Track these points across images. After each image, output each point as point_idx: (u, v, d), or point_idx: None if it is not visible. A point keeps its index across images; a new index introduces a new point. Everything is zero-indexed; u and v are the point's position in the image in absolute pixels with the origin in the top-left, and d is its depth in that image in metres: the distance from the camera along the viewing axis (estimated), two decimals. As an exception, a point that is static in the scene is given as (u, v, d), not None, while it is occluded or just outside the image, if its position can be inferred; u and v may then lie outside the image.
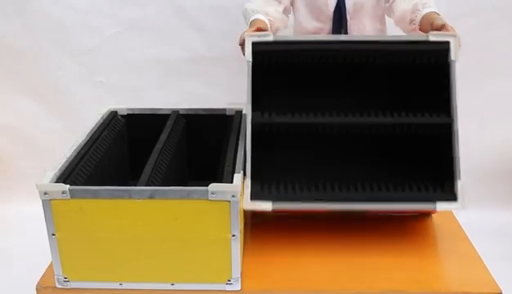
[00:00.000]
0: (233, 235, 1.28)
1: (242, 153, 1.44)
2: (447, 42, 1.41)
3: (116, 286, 1.35)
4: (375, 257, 1.42)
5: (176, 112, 1.73)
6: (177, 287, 1.34)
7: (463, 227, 1.60)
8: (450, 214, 1.62)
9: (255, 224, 1.58)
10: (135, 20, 2.55)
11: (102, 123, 1.65)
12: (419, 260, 1.42)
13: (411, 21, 1.71)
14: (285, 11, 1.92)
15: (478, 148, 2.87)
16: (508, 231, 2.68)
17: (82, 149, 1.48)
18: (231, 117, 1.69)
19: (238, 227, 1.28)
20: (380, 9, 1.92)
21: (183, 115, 1.74)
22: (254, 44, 1.43)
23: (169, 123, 1.65)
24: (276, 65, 1.45)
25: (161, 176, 1.42)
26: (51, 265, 1.41)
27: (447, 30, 1.48)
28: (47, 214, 1.29)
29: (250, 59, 1.43)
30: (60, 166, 1.36)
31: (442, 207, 1.32)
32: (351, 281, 1.34)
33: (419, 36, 1.51)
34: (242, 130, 1.56)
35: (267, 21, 1.76)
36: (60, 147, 2.70)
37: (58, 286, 1.35)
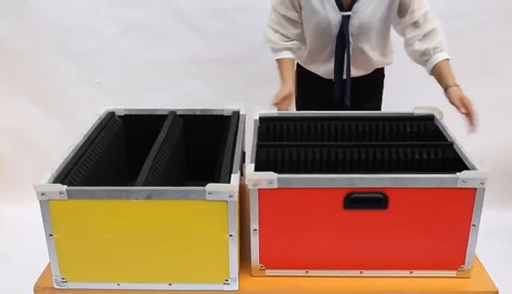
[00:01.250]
0: (230, 235, 1.28)
1: (240, 153, 1.44)
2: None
3: (114, 286, 1.34)
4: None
5: (173, 112, 1.72)
6: (174, 287, 1.34)
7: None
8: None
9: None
10: (133, 22, 2.55)
11: (100, 124, 1.64)
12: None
13: (422, 60, 1.89)
14: (302, 33, 1.96)
15: (477, 148, 2.86)
16: (506, 231, 2.69)
17: (79, 149, 1.48)
18: (228, 117, 1.68)
19: (235, 227, 1.27)
20: (386, 33, 1.97)
21: (181, 116, 1.73)
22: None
23: (167, 124, 1.64)
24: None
25: (158, 177, 1.41)
26: (49, 266, 1.39)
27: (465, 106, 1.68)
28: (44, 215, 1.29)
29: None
30: (57, 167, 1.36)
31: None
32: (350, 280, 1.33)
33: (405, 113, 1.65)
34: (239, 130, 1.56)
35: (292, 56, 1.94)
36: (58, 148, 2.68)
37: (56, 286, 1.34)
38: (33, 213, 2.59)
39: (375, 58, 1.99)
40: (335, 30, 1.85)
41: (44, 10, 2.53)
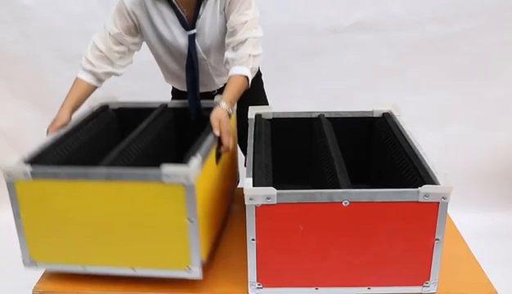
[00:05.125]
0: (189, 220, 1.25)
1: (210, 139, 1.44)
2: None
3: (80, 269, 1.35)
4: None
5: (164, 105, 1.75)
6: (138, 272, 1.33)
7: (458, 229, 1.62)
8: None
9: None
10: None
11: (90, 116, 1.67)
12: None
13: (226, 69, 1.74)
14: (130, 52, 1.87)
15: (474, 150, 2.89)
16: (504, 233, 2.70)
17: (61, 137, 1.50)
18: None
19: (195, 212, 1.25)
20: None
21: (172, 109, 1.76)
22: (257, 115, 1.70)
23: (154, 113, 1.67)
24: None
25: (128, 162, 1.41)
26: (48, 270, 1.42)
27: (218, 129, 1.50)
28: (11, 195, 1.31)
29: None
30: (30, 151, 1.39)
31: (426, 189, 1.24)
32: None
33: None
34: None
35: (93, 82, 1.79)
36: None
37: (25, 266, 1.37)
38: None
39: None
40: (186, 50, 1.79)
41: (42, 14, 2.55)
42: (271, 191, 1.20)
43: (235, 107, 1.70)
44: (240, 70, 1.66)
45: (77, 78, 1.78)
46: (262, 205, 1.21)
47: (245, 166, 1.37)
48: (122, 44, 1.83)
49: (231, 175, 1.75)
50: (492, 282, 1.37)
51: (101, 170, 1.27)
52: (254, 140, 1.52)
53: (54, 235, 1.33)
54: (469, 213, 2.55)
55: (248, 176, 1.28)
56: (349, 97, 2.83)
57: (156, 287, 1.37)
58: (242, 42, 1.68)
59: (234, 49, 1.70)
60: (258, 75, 2.12)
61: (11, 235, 2.57)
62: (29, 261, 1.37)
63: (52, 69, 2.67)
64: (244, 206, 1.22)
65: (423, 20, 2.79)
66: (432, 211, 1.21)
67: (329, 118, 1.69)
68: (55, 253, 1.35)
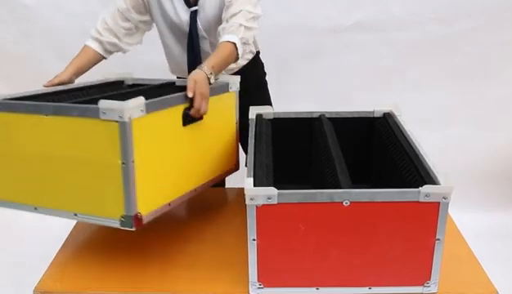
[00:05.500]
0: (123, 163, 1.21)
1: (178, 96, 1.42)
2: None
3: (31, 209, 1.37)
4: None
5: (172, 82, 1.75)
6: (80, 217, 1.32)
7: (459, 228, 1.62)
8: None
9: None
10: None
11: (99, 83, 1.71)
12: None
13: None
14: (137, 30, 1.90)
15: (475, 150, 2.90)
16: (505, 233, 2.70)
17: (52, 90, 1.56)
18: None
19: (130, 154, 1.20)
20: None
21: (179, 87, 1.68)
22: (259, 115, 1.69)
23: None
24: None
25: None
26: (48, 270, 1.43)
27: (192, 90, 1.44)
28: None
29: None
30: (14, 94, 1.43)
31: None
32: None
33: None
34: None
35: (99, 50, 1.83)
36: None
37: None
38: (32, 216, 2.70)
39: None
40: (187, 28, 1.81)
41: (43, 14, 2.56)
42: (272, 191, 1.20)
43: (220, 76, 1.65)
44: (228, 37, 1.63)
45: (84, 45, 1.82)
46: (263, 205, 1.21)
47: (246, 166, 1.36)
48: (129, 20, 1.86)
49: (222, 155, 1.69)
50: (493, 281, 1.37)
51: (52, 104, 1.28)
52: (255, 139, 1.52)
53: (11, 171, 1.34)
54: (470, 213, 2.55)
55: (249, 176, 1.28)
56: (349, 97, 2.83)
57: (157, 286, 1.38)
58: (235, 14, 1.67)
59: (227, 21, 1.69)
60: (263, 75, 2.12)
61: (12, 235, 2.62)
62: None
63: (53, 69, 2.67)
64: (245, 205, 1.22)
65: (423, 20, 2.80)
66: (433, 211, 1.22)
67: (329, 118, 1.69)
68: (10, 191, 1.36)
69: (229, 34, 1.64)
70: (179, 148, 1.44)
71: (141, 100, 1.24)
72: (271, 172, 1.40)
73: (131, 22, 1.86)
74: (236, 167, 1.82)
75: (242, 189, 1.22)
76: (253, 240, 1.24)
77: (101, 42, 1.83)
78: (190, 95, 1.42)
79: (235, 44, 1.62)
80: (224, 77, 1.67)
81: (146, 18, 1.89)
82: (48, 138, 1.28)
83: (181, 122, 1.42)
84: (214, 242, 1.58)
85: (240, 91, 1.74)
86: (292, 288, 1.30)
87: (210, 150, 1.60)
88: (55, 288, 1.39)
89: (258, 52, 2.07)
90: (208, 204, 1.82)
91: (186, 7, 1.79)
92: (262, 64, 2.13)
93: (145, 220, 1.30)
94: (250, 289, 1.31)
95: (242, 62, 1.97)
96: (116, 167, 1.22)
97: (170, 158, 1.41)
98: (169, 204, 1.42)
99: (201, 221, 1.71)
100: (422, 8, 2.77)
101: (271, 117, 1.72)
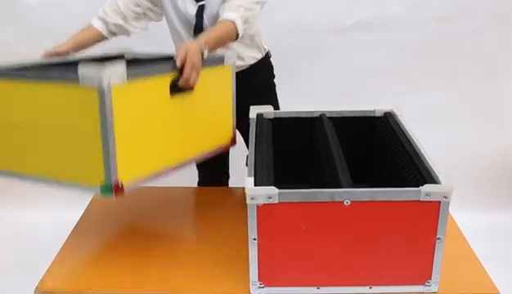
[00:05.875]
0: (103, 131, 1.20)
1: (166, 64, 1.41)
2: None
3: (17, 177, 1.39)
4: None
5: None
6: (63, 185, 1.33)
7: (460, 228, 1.63)
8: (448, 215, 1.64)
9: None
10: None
11: (97, 56, 1.72)
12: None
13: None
14: (145, 17, 1.92)
15: (475, 150, 2.90)
16: (505, 232, 2.71)
17: (48, 60, 1.60)
18: None
19: (110, 122, 1.19)
20: None
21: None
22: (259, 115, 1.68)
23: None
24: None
25: None
26: (49, 270, 1.43)
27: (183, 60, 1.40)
28: None
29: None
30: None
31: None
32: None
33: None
34: None
35: (103, 30, 1.85)
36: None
37: None
38: (33, 216, 2.69)
39: (240, 50, 1.88)
40: (193, 22, 1.80)
41: (43, 14, 2.55)
42: (273, 190, 1.20)
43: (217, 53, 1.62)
44: (228, 16, 1.62)
45: (88, 24, 1.84)
46: (264, 204, 1.21)
47: (247, 165, 1.37)
48: (139, 6, 1.88)
49: (215, 129, 1.66)
50: (494, 281, 1.37)
51: (34, 71, 1.32)
52: (256, 139, 1.52)
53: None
54: (471, 212, 2.55)
55: (249, 176, 1.28)
56: (350, 97, 2.83)
57: (158, 286, 1.38)
58: None
59: (226, 2, 1.69)
60: (271, 77, 2.12)
61: (12, 235, 2.62)
62: None
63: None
64: (246, 205, 1.22)
65: (423, 20, 2.80)
66: (433, 211, 1.22)
67: (330, 118, 1.69)
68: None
69: (228, 12, 1.63)
70: (165, 118, 1.41)
71: (121, 66, 1.23)
72: (272, 172, 1.40)
73: (140, 7, 1.89)
74: (233, 143, 1.76)
75: (243, 189, 1.22)
76: (254, 239, 1.24)
77: (106, 23, 1.85)
78: (179, 64, 1.39)
79: (234, 22, 1.60)
80: (219, 52, 1.63)
81: (156, 8, 1.91)
82: (32, 105, 1.29)
83: (168, 92, 1.39)
84: (215, 241, 1.58)
85: (247, 92, 1.73)
86: (293, 288, 1.30)
87: (201, 123, 1.56)
88: (55, 288, 1.39)
89: (267, 54, 2.08)
90: (209, 204, 1.82)
91: (194, 1, 1.80)
92: (272, 66, 2.13)
93: (126, 190, 1.28)
94: (251, 289, 1.31)
95: (250, 61, 1.97)
96: (96, 135, 1.21)
97: (155, 129, 1.38)
98: (154, 175, 1.40)
99: (202, 221, 1.71)
100: (422, 8, 2.78)
101: (272, 116, 1.72)
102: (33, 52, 2.63)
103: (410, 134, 1.51)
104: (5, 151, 1.38)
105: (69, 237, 1.62)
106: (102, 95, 1.18)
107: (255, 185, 1.23)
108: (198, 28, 1.80)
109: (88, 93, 1.18)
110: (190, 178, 2.43)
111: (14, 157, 1.37)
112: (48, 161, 1.32)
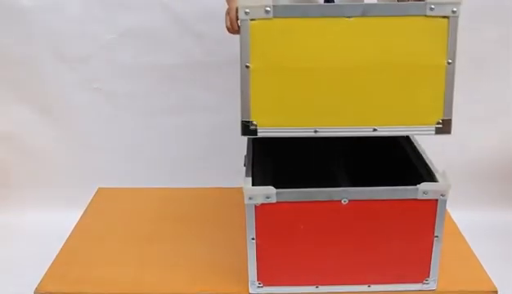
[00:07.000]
0: (449, 62, 1.14)
1: None
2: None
3: (311, 133, 1.22)
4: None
5: None
6: (380, 131, 1.21)
7: (459, 226, 1.62)
8: (446, 213, 1.64)
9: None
10: (131, 27, 2.57)
11: None
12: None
13: None
14: None
15: (473, 148, 2.89)
16: (504, 231, 2.68)
17: None
18: None
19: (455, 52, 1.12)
20: None
21: None
22: None
23: None
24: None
25: None
26: (48, 272, 1.44)
27: None
28: (244, 35, 1.13)
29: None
30: None
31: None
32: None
33: None
34: None
35: None
36: (56, 154, 2.73)
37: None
38: (31, 220, 2.68)
39: None
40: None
41: (41, 16, 2.53)
42: (271, 190, 1.20)
43: None
44: None
45: None
46: (262, 204, 1.21)
47: (244, 165, 1.37)
48: None
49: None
50: (492, 278, 1.37)
51: (358, 4, 1.14)
52: (253, 139, 1.52)
53: (285, 90, 1.17)
54: (468, 210, 2.54)
55: (247, 175, 1.28)
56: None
57: (157, 286, 1.38)
58: None
59: None
60: None
61: (12, 236, 2.62)
62: (251, 125, 1.19)
63: (53, 72, 2.68)
64: (244, 205, 1.23)
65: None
66: (431, 209, 1.22)
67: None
68: (280, 117, 1.19)
69: None
70: None
71: None
72: (270, 171, 1.40)
73: None
74: None
75: (241, 189, 1.23)
76: (253, 239, 1.25)
77: None
78: None
79: None
80: None
81: None
82: (349, 44, 1.14)
83: None
84: (213, 241, 1.58)
85: None
86: (292, 287, 1.31)
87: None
88: (55, 290, 1.39)
89: None
90: (208, 204, 1.82)
91: None
92: None
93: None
94: (250, 288, 1.31)
95: None
96: (440, 68, 1.14)
97: None
98: None
99: (200, 221, 1.71)
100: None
101: None
102: (31, 56, 2.65)
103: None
104: (294, 104, 1.17)
105: (68, 238, 1.63)
106: (454, 24, 1.12)
107: (253, 185, 1.23)
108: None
109: (437, 23, 1.12)
110: (190, 178, 2.44)
111: (307, 109, 1.18)
112: (360, 107, 1.18)
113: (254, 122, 1.20)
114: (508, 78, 2.86)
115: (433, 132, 1.21)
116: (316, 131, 1.20)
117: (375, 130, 1.21)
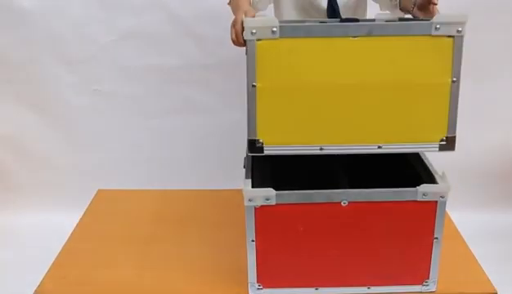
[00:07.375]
0: (453, 81, 1.15)
1: None
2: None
3: (316, 151, 1.24)
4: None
5: None
6: (384, 149, 1.22)
7: (458, 228, 1.63)
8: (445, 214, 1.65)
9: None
10: (131, 29, 2.57)
11: None
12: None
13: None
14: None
15: (474, 149, 2.89)
16: (503, 232, 2.69)
17: None
18: None
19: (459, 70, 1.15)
20: (365, 8, 1.80)
21: None
22: None
23: None
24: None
25: None
26: (48, 273, 1.44)
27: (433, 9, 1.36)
28: (250, 59, 1.15)
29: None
30: None
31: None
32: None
33: None
34: None
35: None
36: (56, 156, 2.75)
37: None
38: (31, 222, 2.68)
39: None
40: (324, 3, 1.66)
41: (41, 18, 2.54)
42: (270, 192, 1.21)
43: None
44: None
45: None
46: (262, 206, 1.22)
47: (244, 167, 1.37)
48: None
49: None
50: (492, 280, 1.38)
51: (363, 24, 1.15)
52: None
53: (291, 108, 1.18)
54: (468, 212, 2.55)
55: (247, 177, 1.28)
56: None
57: (156, 287, 1.38)
58: None
59: None
60: None
61: (12, 236, 2.63)
62: (257, 144, 1.21)
63: (53, 74, 2.68)
64: (244, 207, 1.23)
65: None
66: (430, 210, 1.22)
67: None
68: (287, 134, 1.21)
69: None
70: None
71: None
72: (270, 173, 1.40)
73: None
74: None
75: (240, 191, 1.23)
76: (252, 241, 1.25)
77: None
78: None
79: None
80: None
81: None
82: (353, 62, 1.15)
83: None
84: (213, 243, 1.58)
85: None
86: (291, 289, 1.31)
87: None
88: (55, 291, 1.39)
89: None
90: (207, 205, 1.82)
91: None
92: None
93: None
94: (250, 290, 1.31)
95: None
96: (445, 86, 1.16)
97: None
98: None
99: (200, 223, 1.71)
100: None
101: None
102: (31, 57, 2.66)
103: None
104: (299, 122, 1.19)
105: (68, 239, 1.63)
106: (458, 43, 1.16)
107: (253, 187, 1.23)
108: (331, 11, 1.65)
109: (442, 43, 1.15)
110: (190, 180, 2.44)
111: (311, 127, 1.20)
112: (365, 125, 1.19)
113: (261, 140, 1.22)
114: (508, 79, 2.86)
115: (437, 149, 1.22)
116: (321, 149, 1.22)
117: (379, 147, 1.22)
